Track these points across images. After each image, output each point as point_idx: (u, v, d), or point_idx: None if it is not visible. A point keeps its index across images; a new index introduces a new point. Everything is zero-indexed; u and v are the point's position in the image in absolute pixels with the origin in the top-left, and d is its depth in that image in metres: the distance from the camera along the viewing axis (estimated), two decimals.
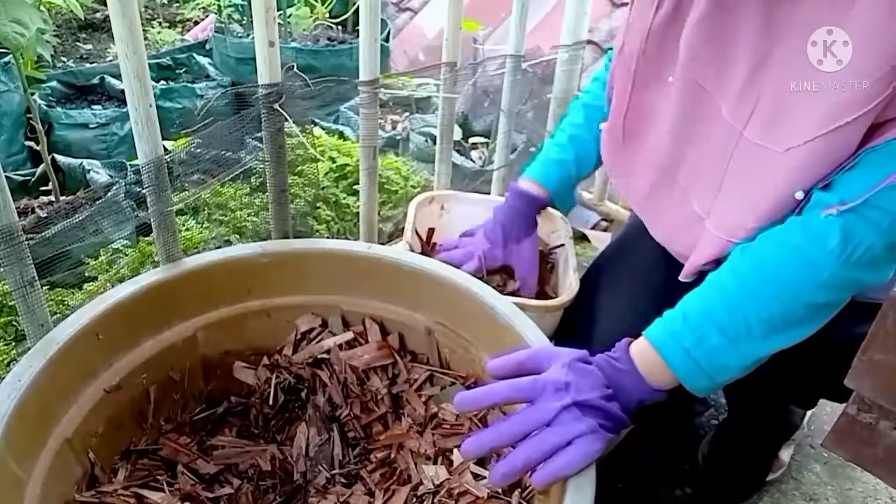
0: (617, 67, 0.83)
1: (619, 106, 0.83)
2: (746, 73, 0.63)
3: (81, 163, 1.73)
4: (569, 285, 1.01)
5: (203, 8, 3.03)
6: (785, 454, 1.11)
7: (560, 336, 1.01)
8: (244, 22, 2.74)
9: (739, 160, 0.65)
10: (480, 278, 0.91)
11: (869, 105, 0.55)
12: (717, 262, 0.68)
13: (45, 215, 1.50)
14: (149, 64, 0.79)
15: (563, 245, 1.13)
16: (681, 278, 0.74)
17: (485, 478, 0.77)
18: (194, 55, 2.58)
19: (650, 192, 0.81)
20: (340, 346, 0.89)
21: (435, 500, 0.77)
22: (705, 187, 0.71)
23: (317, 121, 2.06)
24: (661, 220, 0.82)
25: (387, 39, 2.61)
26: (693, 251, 0.73)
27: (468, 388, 0.84)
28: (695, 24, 0.67)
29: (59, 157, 1.76)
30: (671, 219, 0.79)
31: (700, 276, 0.68)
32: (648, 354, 0.63)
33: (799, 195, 0.60)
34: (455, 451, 0.81)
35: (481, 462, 0.79)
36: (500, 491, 0.74)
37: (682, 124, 0.73)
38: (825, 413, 1.21)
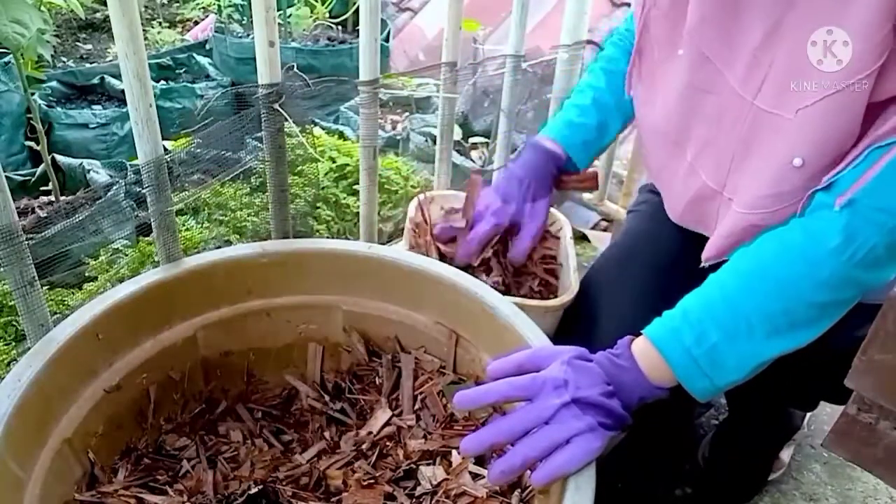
0: (651, 30, 0.79)
1: (651, 71, 0.81)
2: (758, 39, 0.62)
3: (81, 163, 1.73)
4: (569, 285, 1.01)
5: (203, 8, 3.03)
6: (785, 454, 1.11)
7: (560, 337, 1.01)
8: (244, 22, 2.74)
9: (752, 130, 0.65)
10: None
11: (872, 66, 0.55)
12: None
13: (45, 215, 1.50)
14: (149, 64, 0.79)
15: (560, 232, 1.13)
16: (704, 260, 0.73)
17: (483, 477, 0.77)
18: (194, 55, 2.58)
19: (661, 166, 0.81)
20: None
21: (433, 501, 0.77)
22: (715, 161, 0.70)
23: (317, 121, 2.06)
24: (671, 193, 0.82)
25: (387, 39, 2.62)
26: (712, 228, 0.72)
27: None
28: None
29: (59, 157, 1.76)
30: (681, 192, 0.78)
31: (706, 272, 0.67)
32: (649, 352, 0.63)
33: (797, 162, 0.60)
34: (454, 451, 0.81)
35: (480, 461, 0.79)
36: (499, 491, 0.74)
37: (689, 97, 0.72)
38: (825, 413, 1.21)
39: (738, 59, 0.64)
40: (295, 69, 1.03)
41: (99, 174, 1.69)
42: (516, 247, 0.96)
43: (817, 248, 0.58)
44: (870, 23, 0.54)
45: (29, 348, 0.72)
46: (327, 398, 0.91)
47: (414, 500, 0.78)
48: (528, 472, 0.62)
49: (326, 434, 0.87)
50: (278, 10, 2.20)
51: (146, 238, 1.37)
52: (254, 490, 0.78)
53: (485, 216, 0.94)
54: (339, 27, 2.67)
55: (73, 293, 1.27)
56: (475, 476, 0.77)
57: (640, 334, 0.65)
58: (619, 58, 0.95)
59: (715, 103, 0.69)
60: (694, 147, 0.74)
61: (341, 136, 1.94)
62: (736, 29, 0.64)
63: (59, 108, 2.09)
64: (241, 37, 2.53)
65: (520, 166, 0.96)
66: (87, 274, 1.29)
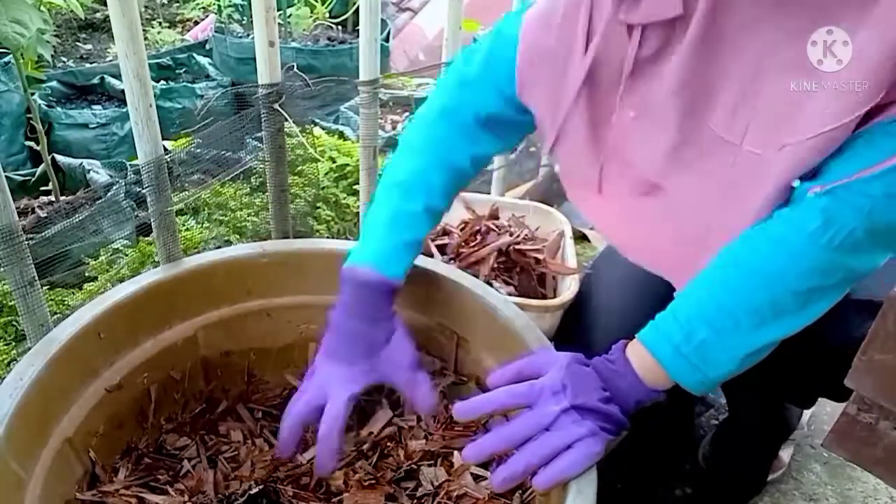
0: (577, 110, 0.70)
1: (592, 155, 0.71)
2: (739, 87, 0.61)
3: (81, 163, 1.73)
4: (568, 285, 1.01)
5: (203, 8, 3.03)
6: (785, 454, 1.11)
7: (560, 337, 1.01)
8: (244, 22, 2.74)
9: (741, 172, 0.63)
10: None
11: (871, 102, 0.54)
12: None
13: (45, 215, 1.50)
14: (149, 64, 0.79)
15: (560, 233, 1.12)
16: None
17: (485, 478, 0.77)
18: (194, 55, 2.58)
19: (627, 221, 0.74)
20: None
21: (434, 502, 0.77)
22: (699, 207, 0.68)
23: (317, 121, 2.06)
24: (641, 245, 0.76)
25: (387, 39, 2.62)
26: (687, 270, 0.69)
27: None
28: (686, 53, 0.62)
29: (59, 157, 1.76)
30: (654, 243, 0.73)
31: None
32: (642, 355, 0.64)
33: (796, 183, 0.60)
34: (455, 453, 0.81)
35: (482, 463, 0.79)
36: (500, 493, 0.74)
37: (671, 153, 0.67)
38: (825, 413, 1.22)
39: (720, 108, 0.63)
40: (295, 69, 1.04)
41: (99, 174, 1.69)
42: (420, 400, 0.76)
43: (796, 234, 0.58)
44: (871, 64, 0.54)
45: (29, 348, 0.72)
46: None
47: (415, 500, 0.78)
48: (530, 476, 0.62)
49: None
50: (278, 10, 2.20)
51: (146, 238, 1.37)
52: (254, 490, 0.78)
53: (326, 398, 0.73)
54: (339, 27, 2.66)
55: (73, 293, 1.27)
56: (477, 477, 0.78)
57: (634, 338, 0.66)
58: (456, 146, 0.79)
59: (698, 153, 0.65)
60: (677, 199, 0.69)
61: (341, 136, 1.94)
62: (712, 85, 0.62)
63: (59, 108, 2.09)
64: (241, 37, 2.53)
65: (345, 316, 0.76)
66: (87, 274, 1.29)
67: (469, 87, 0.78)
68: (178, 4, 3.38)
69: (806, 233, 0.58)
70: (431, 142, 0.79)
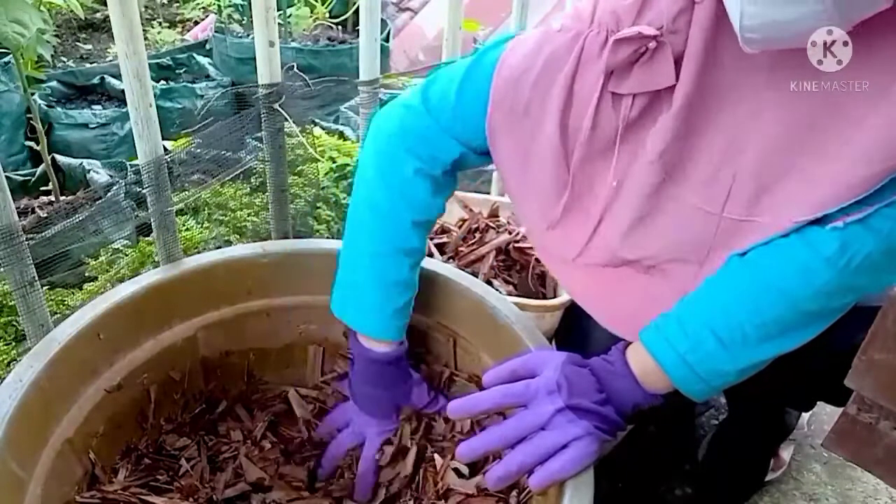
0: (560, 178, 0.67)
1: (575, 227, 0.68)
2: (719, 154, 0.60)
3: (81, 163, 1.72)
4: None
5: (203, 8, 3.03)
6: (785, 454, 1.11)
7: (560, 338, 1.01)
8: (244, 22, 2.74)
9: (723, 239, 0.62)
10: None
11: (873, 187, 0.54)
12: None
13: (45, 215, 1.50)
14: (149, 64, 0.79)
15: None
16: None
17: (466, 477, 0.77)
18: (194, 55, 2.58)
19: (610, 295, 0.70)
20: None
21: (424, 500, 0.77)
22: (681, 273, 0.66)
23: (317, 121, 2.06)
24: (622, 317, 0.69)
25: (387, 39, 2.61)
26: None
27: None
28: (669, 120, 0.61)
29: (59, 157, 1.76)
30: (630, 308, 0.68)
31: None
32: (643, 358, 0.63)
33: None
34: (436, 455, 0.81)
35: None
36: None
37: (634, 224, 0.65)
38: (825, 413, 1.21)
39: (695, 176, 0.62)
40: (295, 69, 1.04)
41: (99, 174, 1.69)
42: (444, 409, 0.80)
43: (813, 256, 0.57)
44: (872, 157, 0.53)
45: (29, 348, 0.72)
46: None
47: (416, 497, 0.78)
48: (526, 475, 0.62)
49: None
50: (278, 10, 2.19)
51: (146, 238, 1.37)
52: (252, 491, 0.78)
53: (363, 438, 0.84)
54: (339, 27, 2.66)
55: (73, 293, 1.27)
56: (460, 474, 0.77)
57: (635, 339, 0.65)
58: (430, 204, 0.78)
59: (674, 223, 0.64)
60: (657, 264, 0.67)
61: (341, 136, 1.94)
62: (690, 152, 0.61)
63: (59, 108, 2.09)
64: (241, 37, 2.53)
65: (372, 387, 0.83)
66: (87, 274, 1.29)
67: (438, 136, 0.74)
68: (178, 4, 3.38)
69: (823, 256, 0.57)
70: (407, 203, 0.76)
